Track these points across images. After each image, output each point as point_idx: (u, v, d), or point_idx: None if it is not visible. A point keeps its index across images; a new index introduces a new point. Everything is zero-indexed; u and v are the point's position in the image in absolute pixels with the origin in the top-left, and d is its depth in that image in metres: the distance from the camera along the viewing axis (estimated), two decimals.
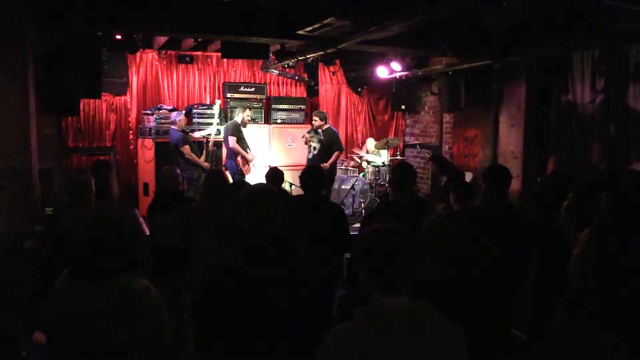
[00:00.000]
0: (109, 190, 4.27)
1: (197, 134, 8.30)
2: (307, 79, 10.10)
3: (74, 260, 2.09)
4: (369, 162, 9.06)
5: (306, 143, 8.30)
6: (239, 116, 8.13)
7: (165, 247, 4.25)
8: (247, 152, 8.01)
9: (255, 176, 8.18)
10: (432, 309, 1.79)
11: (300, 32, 5.84)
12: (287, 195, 6.35)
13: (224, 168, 7.92)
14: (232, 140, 7.84)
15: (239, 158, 7.91)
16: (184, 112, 8.22)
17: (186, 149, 7.55)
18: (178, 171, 5.05)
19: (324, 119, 8.13)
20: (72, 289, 2.12)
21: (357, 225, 6.58)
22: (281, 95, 10.01)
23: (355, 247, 1.90)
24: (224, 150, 8.34)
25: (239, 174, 7.79)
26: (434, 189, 9.03)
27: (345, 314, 3.32)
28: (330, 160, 8.00)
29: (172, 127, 7.69)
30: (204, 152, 7.94)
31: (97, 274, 2.09)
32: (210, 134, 8.05)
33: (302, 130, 8.78)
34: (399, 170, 3.86)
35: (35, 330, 3.00)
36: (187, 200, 4.90)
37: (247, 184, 4.35)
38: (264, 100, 9.53)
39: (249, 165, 8.04)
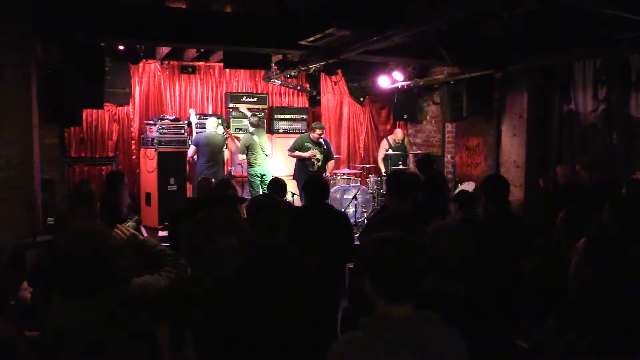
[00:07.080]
0: (119, 203, 4.25)
1: None
2: (309, 89, 10.12)
3: (65, 276, 2.05)
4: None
5: (313, 162, 8.39)
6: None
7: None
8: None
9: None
10: (437, 319, 1.78)
11: (302, 42, 5.86)
12: (290, 206, 6.35)
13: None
14: None
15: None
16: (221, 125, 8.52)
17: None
18: (213, 180, 5.05)
19: (323, 129, 8.45)
20: (68, 305, 2.06)
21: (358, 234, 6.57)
22: (283, 105, 10.04)
23: (361, 256, 1.88)
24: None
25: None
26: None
27: (349, 325, 3.31)
28: (331, 169, 8.30)
29: (206, 130, 8.17)
30: None
31: (85, 291, 2.02)
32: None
33: None
34: (394, 179, 3.83)
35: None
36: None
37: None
38: (266, 110, 9.55)
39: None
